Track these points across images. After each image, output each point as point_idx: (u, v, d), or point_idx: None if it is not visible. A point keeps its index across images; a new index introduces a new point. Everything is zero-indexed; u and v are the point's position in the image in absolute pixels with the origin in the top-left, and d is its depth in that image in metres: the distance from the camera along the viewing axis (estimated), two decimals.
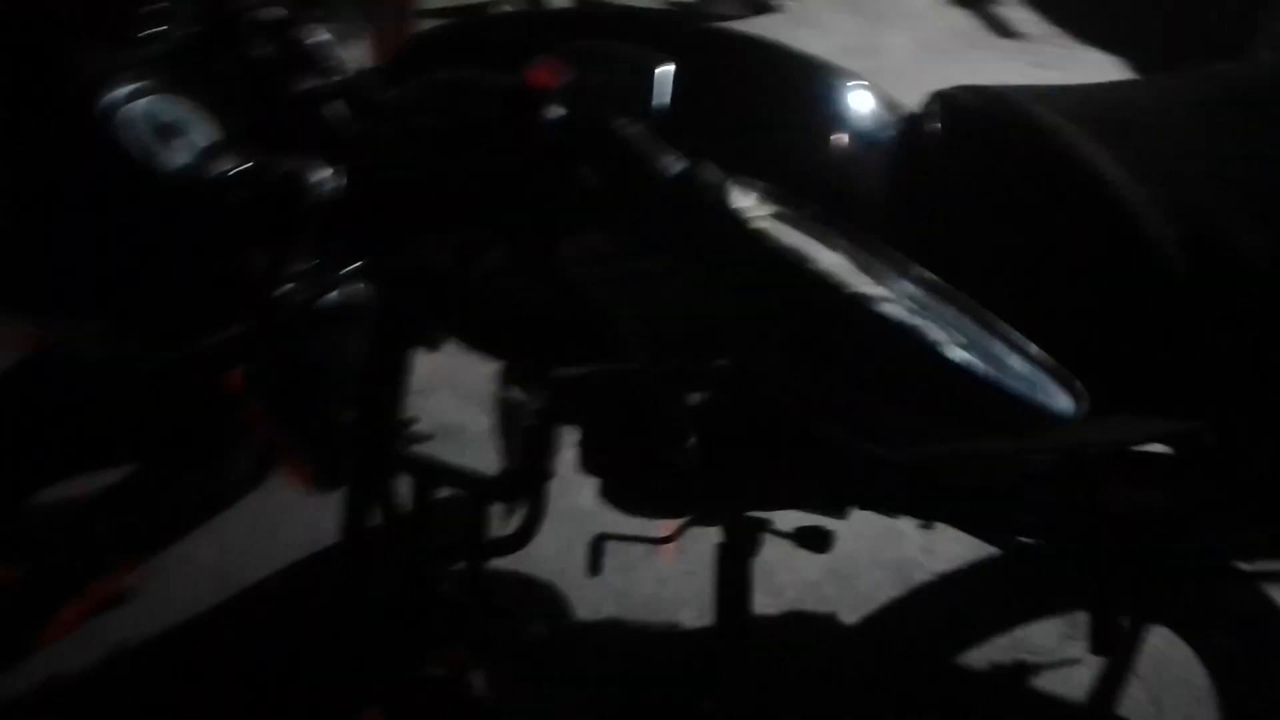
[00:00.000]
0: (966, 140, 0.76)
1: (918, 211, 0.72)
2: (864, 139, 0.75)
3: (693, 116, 0.67)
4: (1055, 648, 1.28)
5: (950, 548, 1.39)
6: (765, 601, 1.34)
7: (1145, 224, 0.67)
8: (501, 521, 1.13)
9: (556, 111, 0.54)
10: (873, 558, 1.39)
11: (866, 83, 0.78)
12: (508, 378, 1.12)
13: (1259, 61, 0.80)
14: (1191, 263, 0.67)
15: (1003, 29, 3.31)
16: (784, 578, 1.37)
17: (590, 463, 1.01)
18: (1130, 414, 0.77)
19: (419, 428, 1.32)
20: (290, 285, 0.61)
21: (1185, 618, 1.27)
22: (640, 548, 1.36)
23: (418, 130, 0.59)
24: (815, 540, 1.04)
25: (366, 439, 0.84)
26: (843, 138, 0.74)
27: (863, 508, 1.03)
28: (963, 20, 3.34)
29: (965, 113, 0.77)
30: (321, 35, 0.67)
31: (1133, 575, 1.11)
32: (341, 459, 0.79)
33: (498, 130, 0.55)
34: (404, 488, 0.95)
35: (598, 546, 1.09)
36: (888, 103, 0.78)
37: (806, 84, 0.75)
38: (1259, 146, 0.73)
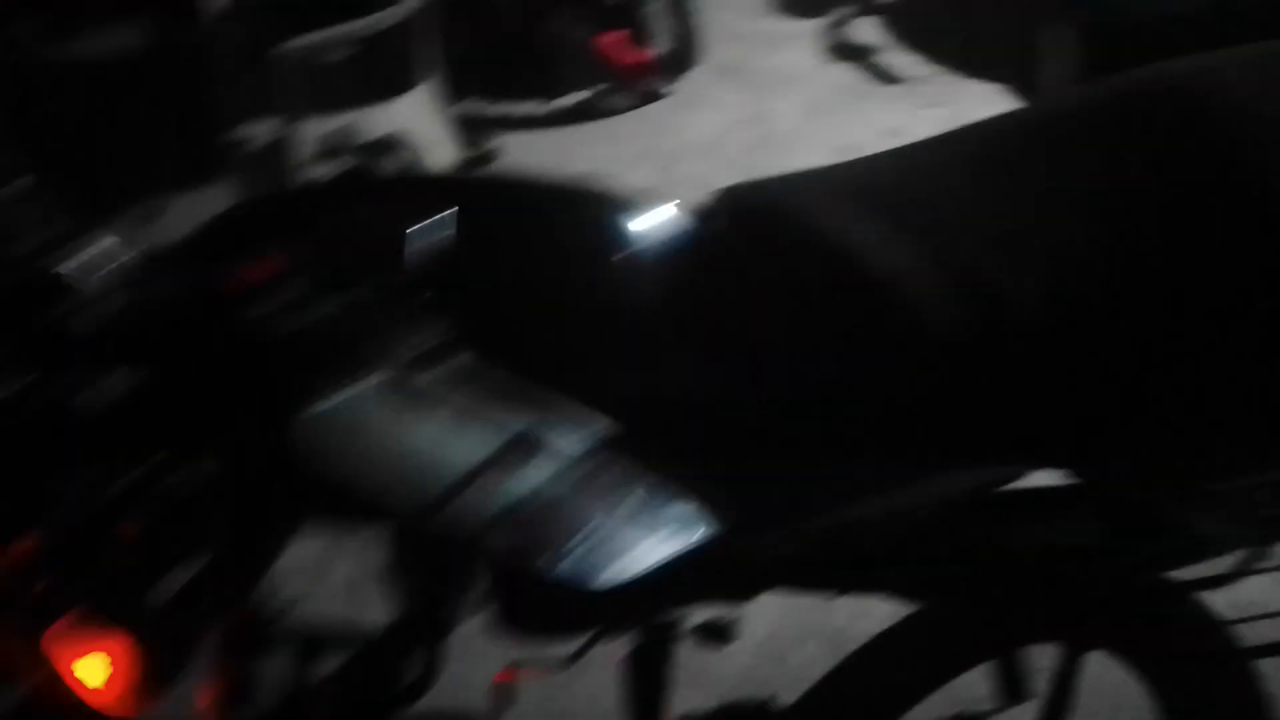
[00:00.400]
0: (730, 239, 0.78)
1: (705, 315, 0.74)
2: (645, 254, 0.77)
3: (465, 270, 0.69)
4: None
5: (880, 607, 1.38)
6: (706, 695, 1.32)
7: (905, 288, 0.69)
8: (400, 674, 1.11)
9: (258, 310, 0.56)
10: (804, 630, 1.38)
11: (647, 195, 0.80)
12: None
13: (1021, 110, 0.83)
14: (962, 319, 0.69)
15: (886, 76, 3.41)
16: (719, 668, 1.35)
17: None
18: (957, 466, 0.78)
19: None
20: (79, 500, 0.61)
21: (1118, 640, 1.26)
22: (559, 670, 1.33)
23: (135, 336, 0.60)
24: (715, 634, 1.03)
25: (232, 631, 0.84)
26: (621, 257, 0.76)
27: (762, 593, 1.03)
28: (846, 74, 3.45)
29: (725, 213, 0.79)
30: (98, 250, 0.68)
31: (1053, 608, 1.11)
32: (179, 648, 0.78)
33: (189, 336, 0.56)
34: (284, 663, 0.93)
35: (501, 690, 1.07)
36: (673, 209, 0.80)
37: (576, 214, 0.78)
38: (1020, 192, 0.75)
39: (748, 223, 0.77)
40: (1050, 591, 1.07)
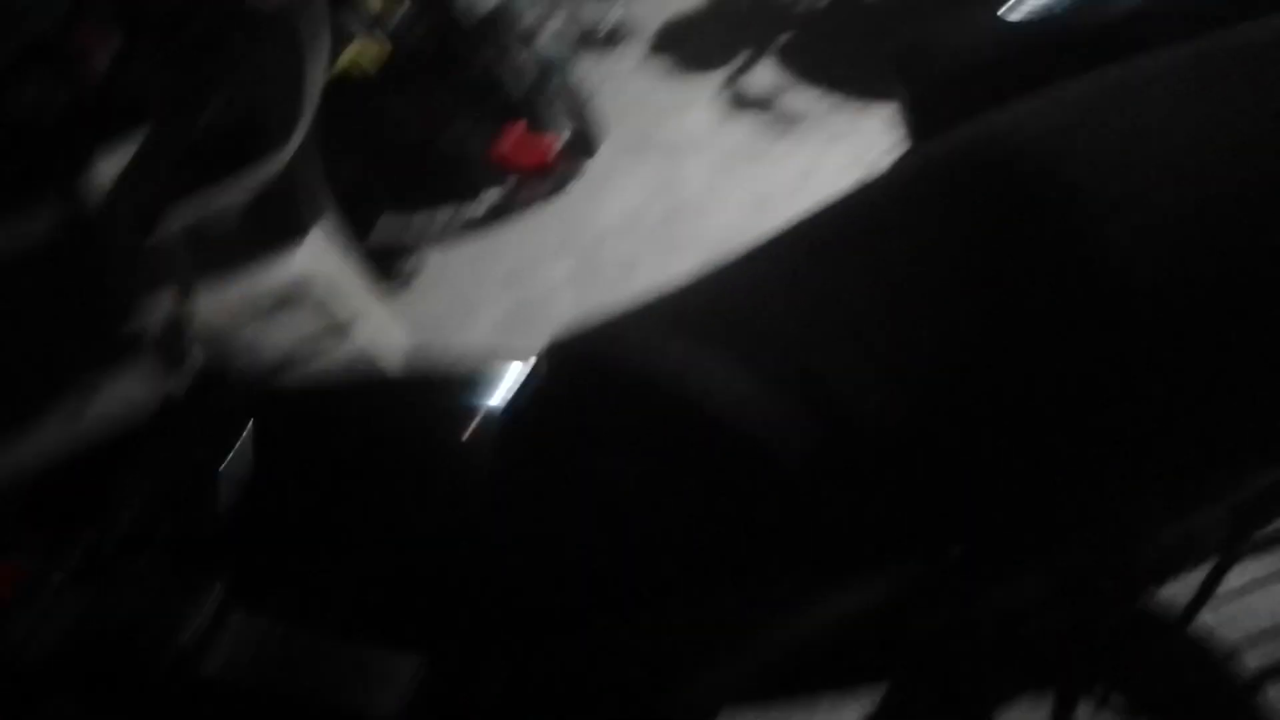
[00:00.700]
0: (567, 396, 0.74)
1: (555, 477, 0.70)
2: (482, 427, 0.73)
3: (299, 486, 0.64)
4: None
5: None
6: None
7: (745, 417, 0.65)
8: None
9: None
10: None
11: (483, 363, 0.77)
12: None
13: (849, 194, 0.79)
14: (809, 433, 0.65)
15: (788, 119, 3.43)
16: None
17: None
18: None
19: None
20: None
21: (1106, 680, 1.22)
22: None
23: None
24: None
25: None
26: (455, 437, 0.73)
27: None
28: (750, 124, 3.46)
29: (558, 369, 0.75)
30: None
31: (1034, 661, 1.07)
32: None
33: None
34: None
35: None
36: (509, 368, 0.76)
37: (405, 404, 0.74)
38: (855, 284, 0.71)
39: (583, 376, 0.73)
40: (1026, 646, 1.03)
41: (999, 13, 1.10)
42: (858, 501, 0.66)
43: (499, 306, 2.77)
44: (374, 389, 0.83)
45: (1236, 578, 1.13)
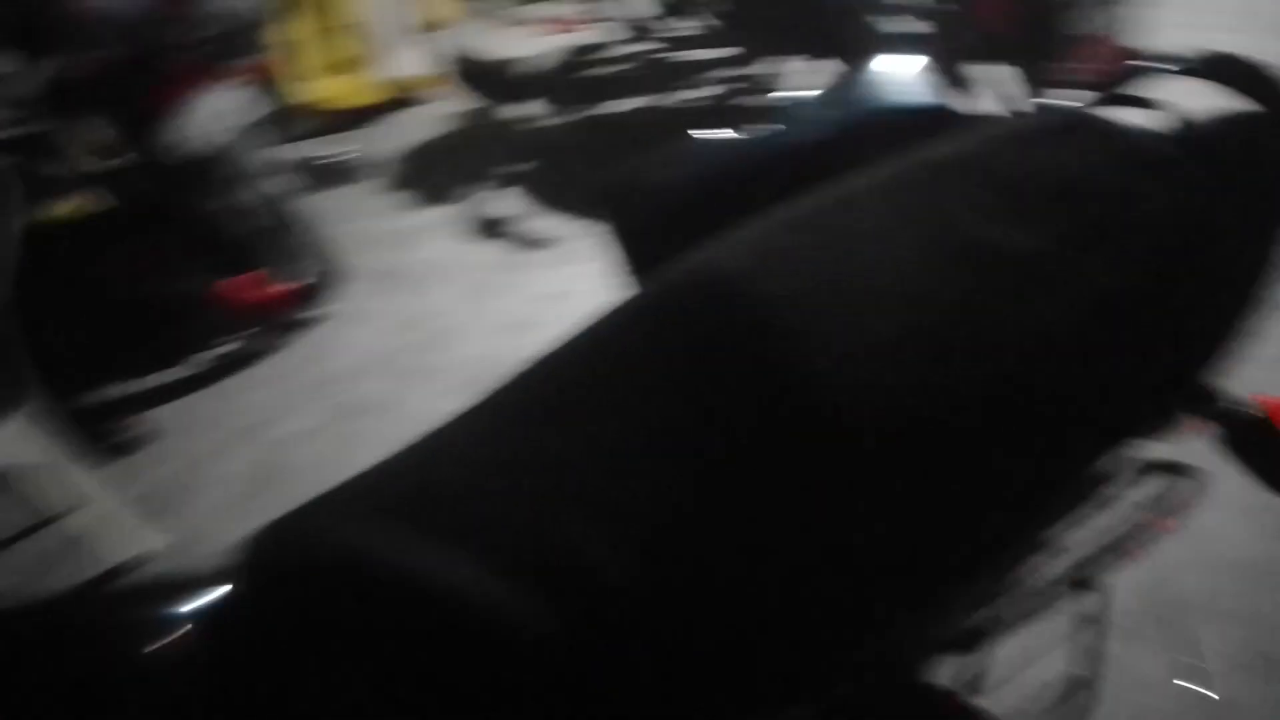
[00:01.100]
0: (274, 599, 0.64)
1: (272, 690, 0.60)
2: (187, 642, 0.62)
3: None
4: None
5: None
6: None
7: (472, 605, 0.58)
8: None
9: None
10: None
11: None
12: None
13: (567, 342, 0.75)
14: (548, 609, 0.59)
15: (532, 243, 3.45)
16: None
17: None
18: None
19: None
20: None
21: None
22: None
23: None
24: None
25: None
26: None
27: None
28: (498, 251, 3.45)
29: (263, 568, 0.65)
30: None
31: None
32: None
33: None
34: None
35: None
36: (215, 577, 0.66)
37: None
38: (586, 440, 0.66)
39: (290, 578, 0.63)
40: None
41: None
42: (615, 673, 0.60)
43: (235, 468, 2.54)
44: (58, 604, 0.69)
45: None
